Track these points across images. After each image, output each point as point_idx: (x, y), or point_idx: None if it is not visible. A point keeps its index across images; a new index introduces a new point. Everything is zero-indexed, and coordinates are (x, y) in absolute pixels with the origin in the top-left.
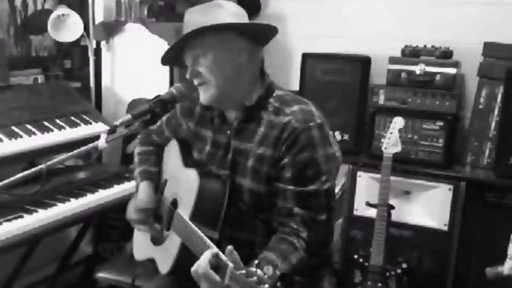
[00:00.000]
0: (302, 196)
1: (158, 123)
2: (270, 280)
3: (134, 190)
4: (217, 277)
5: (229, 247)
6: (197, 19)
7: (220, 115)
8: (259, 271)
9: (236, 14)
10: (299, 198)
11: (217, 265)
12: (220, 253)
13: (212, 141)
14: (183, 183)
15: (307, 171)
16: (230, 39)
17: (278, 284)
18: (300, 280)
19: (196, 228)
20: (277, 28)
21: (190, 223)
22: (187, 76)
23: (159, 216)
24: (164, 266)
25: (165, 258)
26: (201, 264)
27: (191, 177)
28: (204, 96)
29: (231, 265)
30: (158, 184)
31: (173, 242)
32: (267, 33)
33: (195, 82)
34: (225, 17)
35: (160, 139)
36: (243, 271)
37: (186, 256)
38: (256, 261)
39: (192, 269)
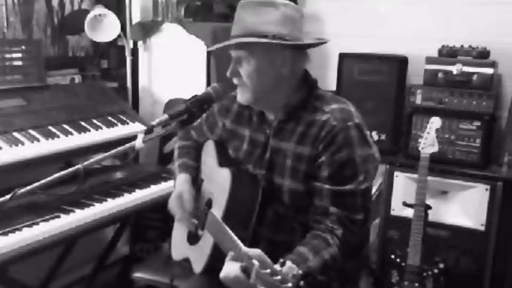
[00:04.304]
0: (338, 195)
1: (198, 120)
2: (293, 279)
3: (170, 190)
4: (244, 277)
5: (246, 250)
6: (247, 18)
7: (260, 114)
8: (283, 270)
9: (290, 19)
10: (335, 197)
11: (244, 267)
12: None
13: (249, 140)
14: (217, 182)
15: (344, 171)
16: (276, 49)
17: (301, 283)
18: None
19: (227, 228)
20: (326, 40)
21: (222, 223)
22: (228, 73)
23: (196, 215)
24: (198, 266)
25: (199, 257)
26: (232, 268)
27: (224, 176)
28: (241, 97)
29: (257, 264)
30: (195, 178)
31: (207, 242)
32: (315, 45)
33: (234, 81)
34: (277, 24)
35: (198, 136)
36: (268, 271)
37: (219, 256)
38: (281, 260)
39: (221, 274)
